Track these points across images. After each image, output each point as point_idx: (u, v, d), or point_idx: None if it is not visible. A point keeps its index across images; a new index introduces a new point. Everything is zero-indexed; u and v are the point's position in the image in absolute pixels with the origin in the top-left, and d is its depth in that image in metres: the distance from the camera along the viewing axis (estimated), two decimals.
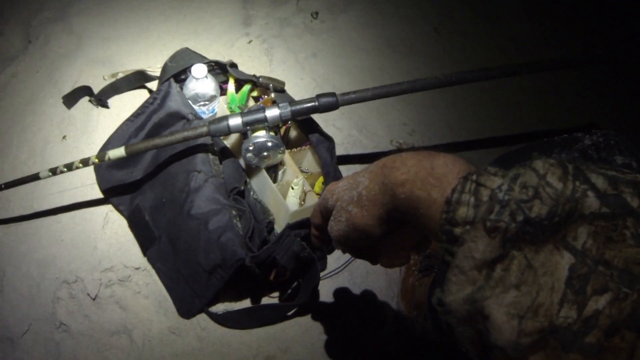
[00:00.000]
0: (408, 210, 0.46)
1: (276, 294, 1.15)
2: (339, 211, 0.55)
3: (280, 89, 1.14)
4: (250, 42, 1.58)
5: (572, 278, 0.35)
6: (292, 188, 1.08)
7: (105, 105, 1.40)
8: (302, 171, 1.14)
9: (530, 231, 0.37)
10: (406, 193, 0.46)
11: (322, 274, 1.16)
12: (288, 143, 1.20)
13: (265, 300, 1.15)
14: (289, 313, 1.12)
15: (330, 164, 1.08)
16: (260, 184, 1.09)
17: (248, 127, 1.00)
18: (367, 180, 0.52)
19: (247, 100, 1.20)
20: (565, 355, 0.34)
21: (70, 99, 1.41)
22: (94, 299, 1.13)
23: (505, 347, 0.36)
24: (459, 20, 1.71)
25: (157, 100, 1.15)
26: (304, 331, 1.12)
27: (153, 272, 1.16)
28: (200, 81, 1.14)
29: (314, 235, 0.67)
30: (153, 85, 1.42)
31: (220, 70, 1.23)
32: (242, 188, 1.05)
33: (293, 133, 1.19)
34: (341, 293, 1.17)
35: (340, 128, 1.41)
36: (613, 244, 0.36)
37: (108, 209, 1.24)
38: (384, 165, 0.50)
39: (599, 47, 1.64)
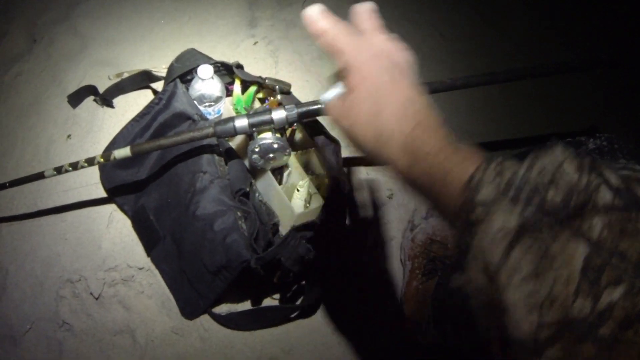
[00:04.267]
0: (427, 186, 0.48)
1: (279, 295, 1.15)
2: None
3: (286, 90, 1.14)
4: (255, 43, 1.59)
5: (586, 268, 0.35)
6: (298, 190, 1.08)
7: (110, 105, 1.40)
8: (307, 173, 1.14)
9: (547, 214, 0.37)
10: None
11: None
12: (294, 145, 1.20)
13: (268, 302, 1.15)
14: (293, 315, 1.12)
15: (336, 166, 1.08)
16: (265, 185, 1.09)
17: (254, 129, 1.00)
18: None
19: (253, 101, 1.20)
20: (579, 346, 0.34)
21: (75, 99, 1.41)
22: (97, 299, 1.13)
23: (524, 340, 0.36)
24: (464, 25, 1.71)
25: (162, 100, 1.15)
26: (307, 333, 1.12)
27: (157, 272, 1.16)
28: (206, 82, 1.14)
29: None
30: (158, 85, 1.42)
31: (226, 71, 1.23)
32: (248, 190, 1.05)
33: (299, 135, 1.19)
34: (345, 296, 1.17)
35: None
36: (627, 237, 0.36)
37: (112, 209, 1.24)
38: None
39: (603, 51, 1.64)
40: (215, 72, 1.18)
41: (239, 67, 1.21)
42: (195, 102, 1.15)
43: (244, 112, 1.17)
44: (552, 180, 0.38)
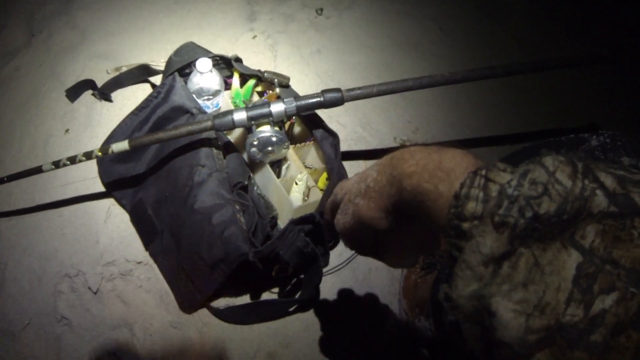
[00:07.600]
0: (414, 203, 0.46)
1: (277, 289, 1.15)
2: (346, 204, 0.55)
3: (284, 84, 1.14)
4: (254, 37, 1.58)
5: (579, 277, 0.35)
6: (296, 183, 1.07)
7: (108, 99, 1.40)
8: (306, 167, 1.13)
9: (538, 228, 0.36)
10: (413, 185, 0.46)
11: (324, 270, 1.15)
12: (292, 138, 1.19)
13: (266, 296, 1.14)
14: (291, 309, 1.12)
15: (335, 159, 1.07)
16: (264, 179, 1.09)
17: (253, 122, 0.99)
18: (375, 173, 0.52)
19: (252, 95, 1.19)
20: (570, 353, 0.34)
21: (73, 93, 1.41)
22: (95, 293, 1.12)
23: (512, 343, 0.36)
24: (463, 19, 1.70)
25: (161, 94, 1.15)
26: (305, 327, 1.11)
27: (155, 266, 1.15)
28: (205, 75, 1.13)
29: (327, 233, 0.67)
30: (156, 79, 1.41)
31: (225, 64, 1.23)
32: (246, 183, 1.04)
33: (297, 129, 1.18)
34: (343, 290, 1.17)
35: (345, 125, 1.41)
36: (621, 244, 0.35)
37: (110, 203, 1.24)
38: (393, 157, 0.50)
39: (604, 46, 1.63)
40: (214, 65, 1.17)
41: (238, 60, 1.20)
42: (194, 95, 1.15)
43: (242, 105, 1.17)
44: (545, 191, 0.37)
